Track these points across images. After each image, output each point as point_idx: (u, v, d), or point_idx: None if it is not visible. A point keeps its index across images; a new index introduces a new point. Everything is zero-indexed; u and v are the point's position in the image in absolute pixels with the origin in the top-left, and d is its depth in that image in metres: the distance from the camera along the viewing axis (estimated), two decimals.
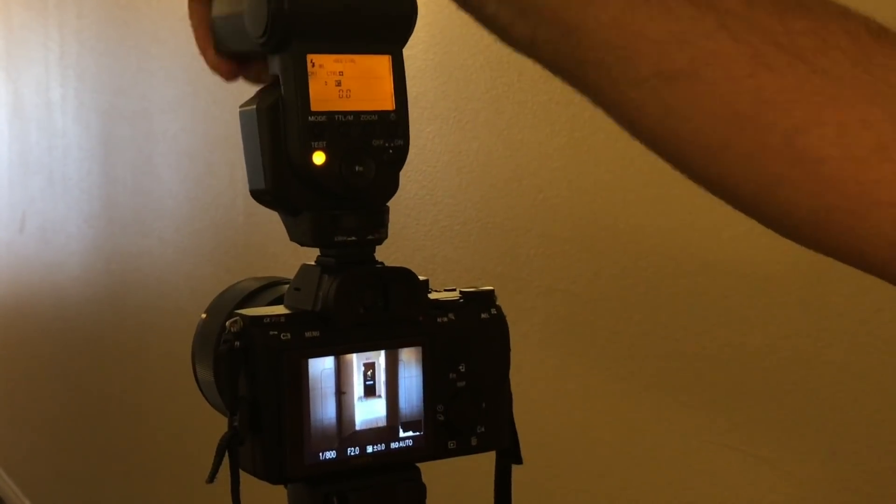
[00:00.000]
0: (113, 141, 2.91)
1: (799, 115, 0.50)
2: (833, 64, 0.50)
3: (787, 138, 0.50)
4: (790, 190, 0.51)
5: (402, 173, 0.64)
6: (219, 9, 0.66)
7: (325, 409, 0.62)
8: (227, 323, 0.62)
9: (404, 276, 0.64)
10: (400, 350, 0.64)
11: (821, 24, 0.50)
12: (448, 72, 1.52)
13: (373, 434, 0.63)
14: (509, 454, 0.70)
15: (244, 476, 0.63)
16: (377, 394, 0.63)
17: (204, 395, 0.70)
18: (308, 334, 0.62)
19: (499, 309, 0.68)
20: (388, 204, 0.65)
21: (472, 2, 0.56)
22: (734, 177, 0.53)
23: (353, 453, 0.63)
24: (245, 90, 0.66)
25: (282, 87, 0.61)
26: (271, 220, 0.66)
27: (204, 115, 2.36)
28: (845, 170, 0.50)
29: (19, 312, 3.87)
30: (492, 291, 0.68)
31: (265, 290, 0.70)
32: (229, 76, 0.68)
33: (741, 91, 0.50)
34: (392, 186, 0.64)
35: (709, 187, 0.54)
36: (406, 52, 0.63)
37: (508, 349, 0.68)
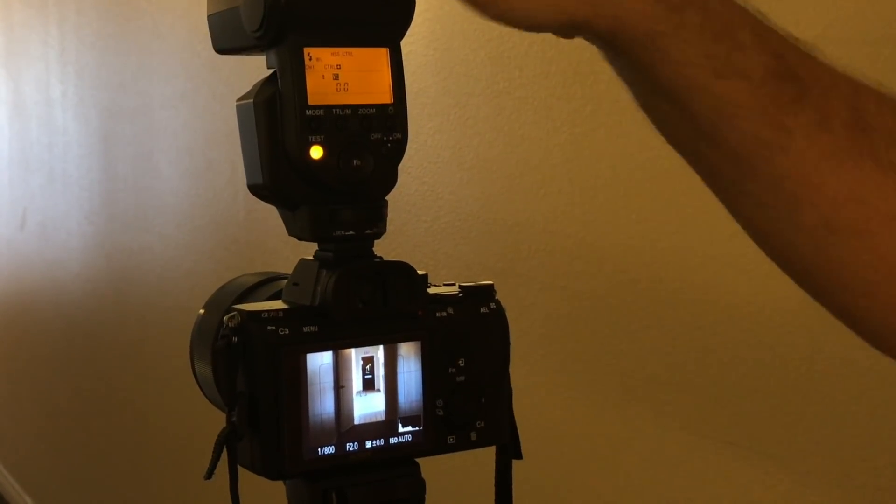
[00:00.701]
0: (113, 137, 2.91)
1: None
2: None
3: None
4: None
5: (402, 169, 0.64)
6: (213, 6, 0.66)
7: (323, 404, 0.61)
8: (225, 318, 0.62)
9: (403, 270, 0.64)
10: (399, 344, 0.63)
11: None
12: (449, 67, 1.52)
13: (372, 429, 0.63)
14: (509, 449, 0.70)
15: (243, 472, 0.63)
16: (376, 388, 0.63)
17: (202, 391, 0.69)
18: (306, 329, 0.61)
19: (498, 303, 0.68)
20: (389, 200, 0.65)
21: (637, 96, 0.57)
22: (879, 317, 0.56)
23: (351, 448, 0.62)
24: (246, 87, 0.66)
25: (279, 81, 0.61)
26: (272, 216, 0.66)
27: (204, 112, 2.35)
28: None
29: (20, 309, 3.87)
30: (491, 286, 0.68)
31: (263, 285, 0.70)
32: None
33: None
34: (391, 180, 0.63)
35: (848, 322, 0.58)
36: (406, 47, 0.63)
37: (508, 344, 0.68)
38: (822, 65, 0.55)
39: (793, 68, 0.54)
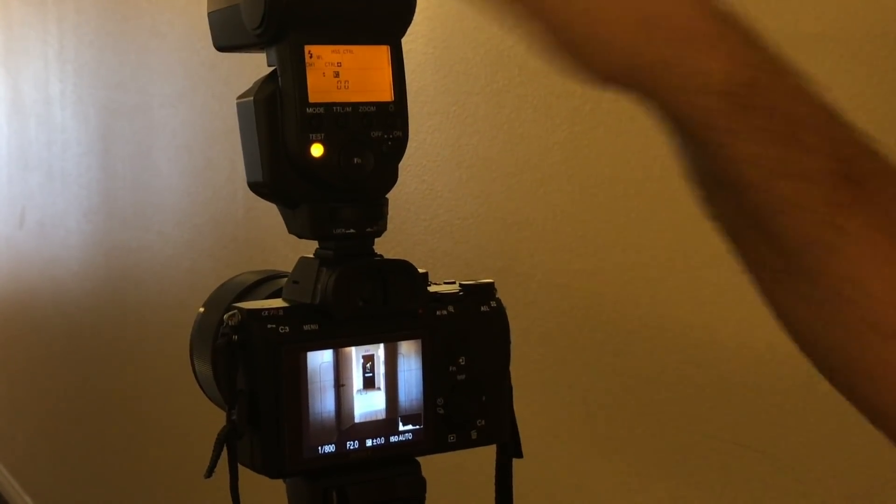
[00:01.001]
0: (112, 136, 2.91)
1: None
2: None
3: None
4: None
5: (401, 168, 0.64)
6: (214, 4, 0.65)
7: (323, 403, 0.61)
8: (226, 316, 0.62)
9: (403, 268, 0.63)
10: (399, 343, 0.63)
11: None
12: (448, 66, 1.52)
13: (372, 427, 0.63)
14: (509, 448, 0.70)
15: (243, 470, 0.63)
16: (376, 386, 0.63)
17: (202, 390, 0.69)
18: (307, 327, 0.61)
19: (498, 302, 0.68)
20: (388, 198, 0.65)
21: (689, 171, 0.57)
22: None
23: (352, 447, 0.62)
24: (245, 85, 0.66)
25: (279, 79, 0.61)
26: (272, 214, 0.66)
27: (203, 110, 2.35)
28: None
29: (19, 308, 3.87)
30: (491, 284, 0.68)
31: (263, 283, 0.70)
32: None
33: None
34: (391, 178, 0.63)
35: (885, 427, 0.59)
36: (406, 46, 0.63)
37: (509, 342, 0.68)
38: (882, 162, 0.55)
39: (854, 170, 0.53)
